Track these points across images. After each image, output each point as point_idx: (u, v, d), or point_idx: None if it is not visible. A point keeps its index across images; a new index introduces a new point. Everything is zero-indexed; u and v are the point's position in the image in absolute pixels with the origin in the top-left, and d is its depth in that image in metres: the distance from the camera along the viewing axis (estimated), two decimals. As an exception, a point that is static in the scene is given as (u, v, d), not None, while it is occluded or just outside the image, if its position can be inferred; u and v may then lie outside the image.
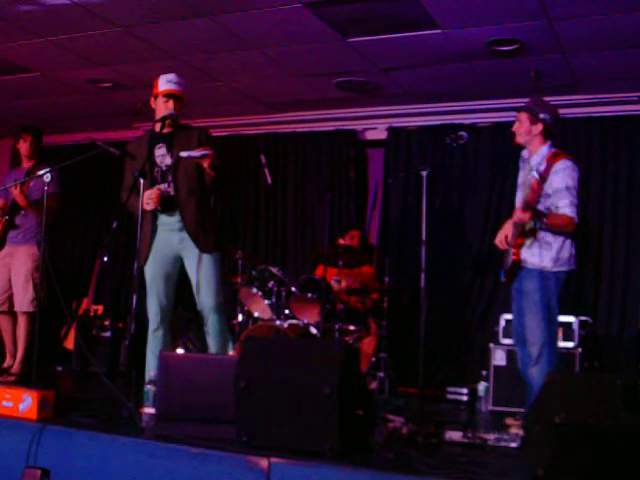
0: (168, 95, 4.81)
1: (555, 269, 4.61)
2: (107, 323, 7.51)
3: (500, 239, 4.81)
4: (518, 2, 5.04)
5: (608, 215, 6.86)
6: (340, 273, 6.37)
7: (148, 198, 4.66)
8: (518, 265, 4.66)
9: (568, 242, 4.66)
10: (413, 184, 7.48)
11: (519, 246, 4.64)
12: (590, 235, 6.87)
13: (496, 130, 7.29)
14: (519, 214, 4.53)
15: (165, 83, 4.84)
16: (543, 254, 4.61)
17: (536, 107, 4.77)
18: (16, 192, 5.69)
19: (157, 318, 4.90)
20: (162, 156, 4.86)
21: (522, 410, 5.01)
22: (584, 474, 3.08)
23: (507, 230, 4.76)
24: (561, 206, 4.54)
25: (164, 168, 4.85)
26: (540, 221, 4.52)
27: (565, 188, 4.55)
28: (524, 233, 4.65)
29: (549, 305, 4.58)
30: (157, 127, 4.86)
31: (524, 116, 4.75)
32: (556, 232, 4.59)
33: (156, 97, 4.88)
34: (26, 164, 6.04)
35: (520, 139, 4.78)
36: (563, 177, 4.56)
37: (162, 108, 4.82)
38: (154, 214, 4.84)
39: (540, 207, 4.56)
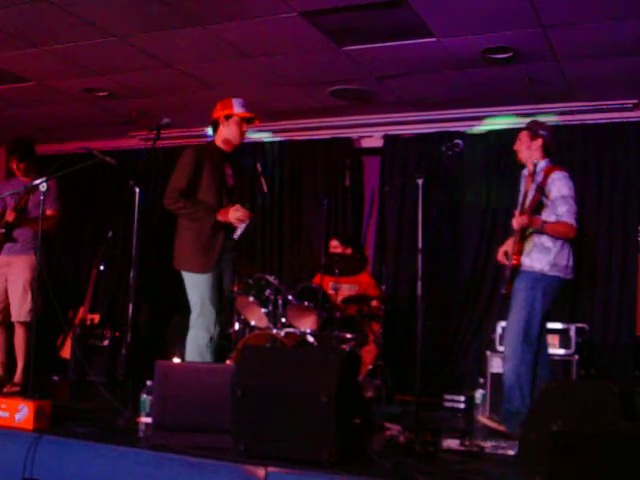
0: (245, 119, 5.03)
1: (551, 273, 4.73)
2: (103, 332, 7.50)
3: (501, 254, 4.97)
4: (512, 10, 5.06)
5: (604, 222, 6.86)
6: (337, 281, 6.36)
7: (243, 217, 4.81)
8: (517, 269, 4.76)
9: (566, 250, 4.80)
10: (409, 192, 7.49)
11: (519, 252, 4.77)
12: (586, 242, 6.88)
13: (491, 138, 7.31)
14: (517, 218, 4.73)
15: (241, 107, 5.03)
16: (541, 258, 4.74)
17: (535, 126, 5.02)
18: (8, 211, 5.68)
19: (216, 328, 4.91)
20: (228, 176, 5.03)
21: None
22: (581, 481, 3.09)
23: (508, 246, 4.92)
24: (560, 214, 4.72)
25: (228, 188, 5.00)
26: (541, 228, 4.67)
27: (562, 197, 4.73)
28: (523, 239, 4.76)
29: (532, 307, 4.69)
30: (224, 146, 5.04)
31: (524, 134, 4.98)
32: (557, 238, 4.73)
33: (228, 117, 5.00)
34: (23, 178, 5.99)
35: (521, 155, 4.98)
36: (559, 187, 4.76)
37: (235, 129, 5.01)
38: (227, 230, 4.91)
39: (541, 218, 4.69)
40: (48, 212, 5.78)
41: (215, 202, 4.88)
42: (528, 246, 4.77)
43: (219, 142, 5.05)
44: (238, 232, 4.93)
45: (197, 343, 4.83)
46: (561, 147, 6.92)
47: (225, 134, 5.02)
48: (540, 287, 4.71)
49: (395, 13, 5.20)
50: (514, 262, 4.76)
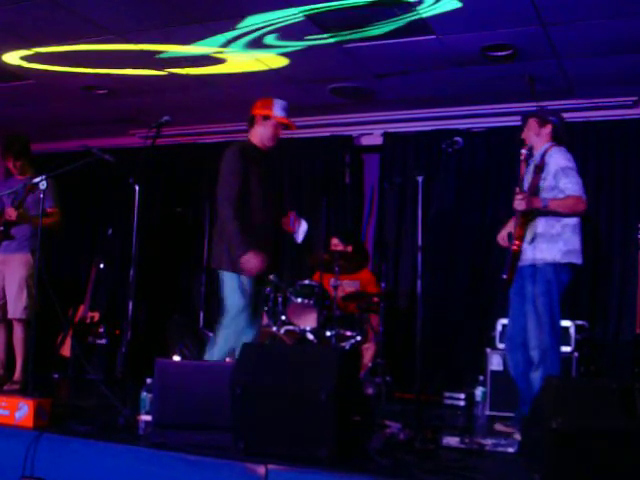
0: (284, 124, 4.99)
1: (565, 261, 4.58)
2: (103, 330, 7.51)
3: (502, 236, 4.84)
4: (512, 7, 5.05)
5: (604, 219, 6.86)
6: (338, 278, 6.35)
7: (255, 268, 4.68)
8: (517, 256, 4.64)
9: (577, 235, 4.65)
10: (409, 189, 7.49)
11: (520, 237, 4.63)
12: (586, 239, 6.88)
13: (491, 135, 7.31)
14: (518, 199, 4.57)
15: (281, 110, 4.97)
16: (551, 248, 4.59)
17: (543, 112, 4.90)
18: (9, 209, 5.69)
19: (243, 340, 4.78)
20: (269, 175, 4.99)
21: (513, 415, 5.03)
22: (581, 479, 3.09)
23: (510, 228, 4.79)
24: (563, 187, 4.56)
25: (273, 187, 5.03)
26: (543, 208, 4.53)
27: (561, 169, 4.58)
28: (526, 224, 4.63)
29: (552, 309, 4.58)
30: (259, 143, 4.97)
31: (532, 121, 4.84)
32: (566, 215, 4.57)
33: (266, 118, 4.94)
34: (20, 177, 6.01)
35: (530, 141, 4.82)
36: (557, 159, 4.62)
37: (270, 132, 4.95)
38: (273, 237, 4.93)
39: (541, 197, 4.58)
40: (48, 210, 5.79)
41: (263, 202, 4.84)
42: (529, 234, 4.61)
43: (256, 140, 4.99)
44: (300, 236, 4.97)
45: (221, 353, 4.72)
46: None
47: (259, 134, 4.97)
48: (554, 285, 4.57)
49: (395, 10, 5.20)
50: (514, 248, 4.61)
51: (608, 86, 6.52)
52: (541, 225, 4.63)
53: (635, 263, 6.64)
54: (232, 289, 4.75)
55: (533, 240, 4.63)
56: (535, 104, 6.88)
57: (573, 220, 4.64)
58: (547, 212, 4.57)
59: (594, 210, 6.87)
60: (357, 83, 6.80)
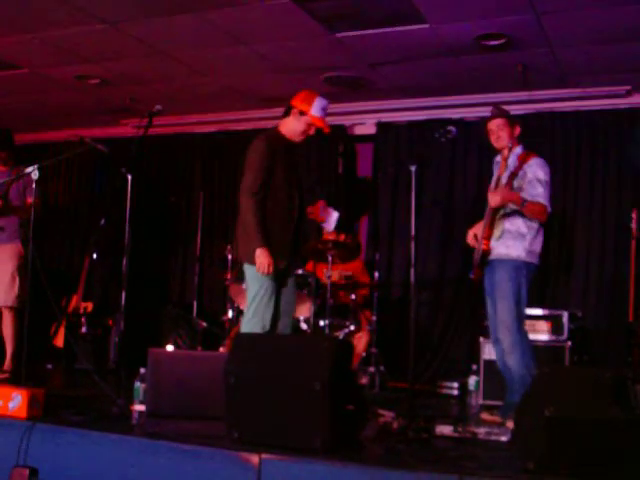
0: (317, 126, 4.77)
1: (527, 260, 4.69)
2: (97, 320, 7.50)
3: (471, 236, 4.91)
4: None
5: (597, 209, 6.87)
6: (331, 268, 6.35)
7: (265, 265, 4.55)
8: (487, 254, 4.74)
9: (540, 237, 4.78)
10: (402, 179, 7.48)
11: (488, 237, 4.73)
12: (579, 229, 6.90)
13: (484, 124, 7.29)
14: (496, 193, 4.65)
15: (320, 110, 4.73)
16: (517, 245, 4.69)
17: (507, 112, 4.91)
18: None
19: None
20: (294, 167, 4.86)
21: (500, 404, 5.05)
22: (574, 467, 3.10)
23: (477, 228, 4.87)
24: (535, 195, 4.64)
25: (297, 179, 4.85)
26: (521, 205, 4.59)
27: (537, 179, 4.66)
28: (493, 223, 4.73)
29: (519, 295, 4.67)
30: (288, 134, 4.79)
31: (502, 122, 4.85)
32: (530, 219, 4.67)
33: (302, 113, 4.72)
34: (3, 168, 6.03)
35: (504, 144, 4.80)
36: (535, 170, 4.68)
37: (301, 128, 4.75)
38: (296, 230, 4.81)
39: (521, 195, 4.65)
40: (31, 200, 5.79)
41: (287, 195, 4.73)
42: (497, 231, 4.70)
43: (284, 130, 4.83)
44: (332, 225, 4.93)
45: None
46: (555, 134, 6.95)
47: (291, 125, 4.78)
48: (522, 274, 4.67)
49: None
50: (483, 247, 4.70)
51: (601, 75, 6.51)
52: (509, 223, 4.72)
53: (628, 252, 6.67)
54: (255, 283, 4.63)
55: (501, 236, 4.72)
56: (528, 93, 6.90)
57: (536, 224, 4.73)
58: (519, 209, 4.63)
59: (588, 200, 6.89)
60: (351, 72, 6.79)
